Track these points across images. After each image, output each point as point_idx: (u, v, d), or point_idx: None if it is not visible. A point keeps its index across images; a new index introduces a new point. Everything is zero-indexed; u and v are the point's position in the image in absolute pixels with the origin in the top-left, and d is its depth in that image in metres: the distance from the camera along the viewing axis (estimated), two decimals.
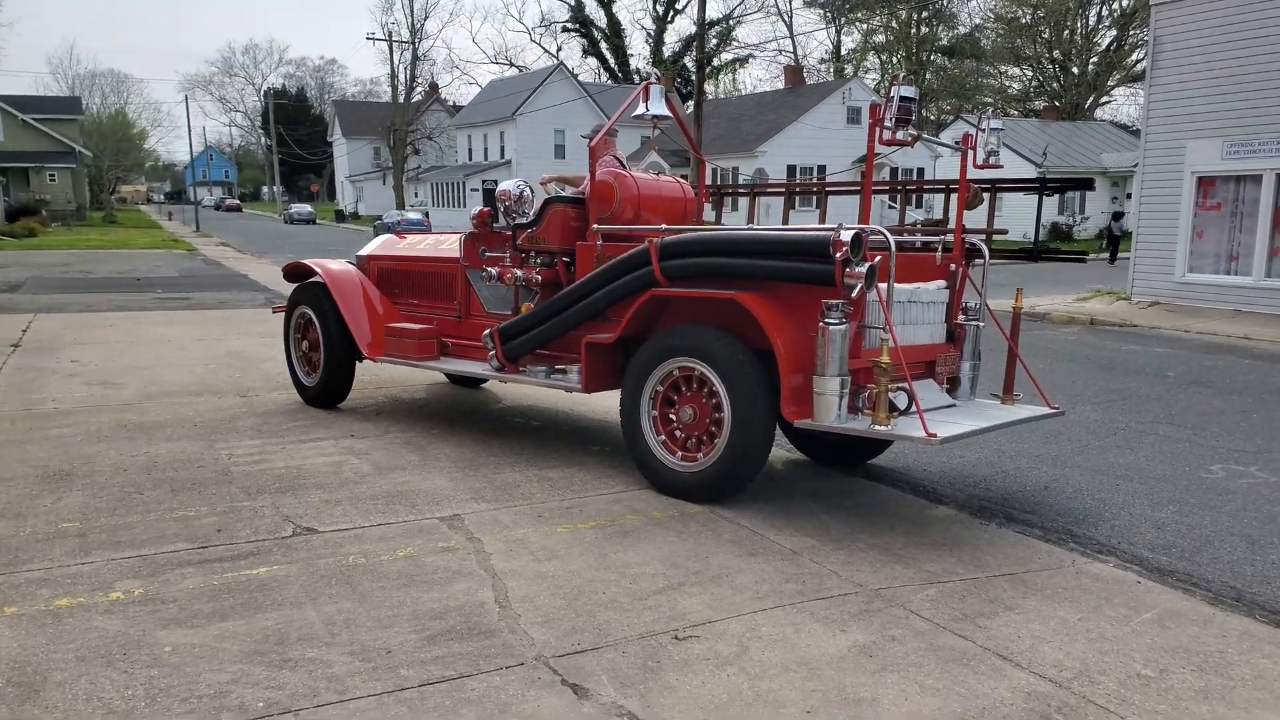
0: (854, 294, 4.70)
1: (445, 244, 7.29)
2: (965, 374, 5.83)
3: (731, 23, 48.94)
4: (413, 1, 73.64)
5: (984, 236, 5.86)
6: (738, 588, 4.11)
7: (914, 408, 4.61)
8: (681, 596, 4.00)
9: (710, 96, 54.37)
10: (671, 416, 5.35)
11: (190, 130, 59.19)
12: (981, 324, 5.75)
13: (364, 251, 7.95)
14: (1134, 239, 16.50)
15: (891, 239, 4.83)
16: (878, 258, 4.83)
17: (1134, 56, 52.71)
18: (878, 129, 4.83)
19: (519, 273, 6.31)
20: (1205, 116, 15.14)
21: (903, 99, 4.78)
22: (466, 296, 7.00)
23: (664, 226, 5.53)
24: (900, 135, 4.90)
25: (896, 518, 5.20)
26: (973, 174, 5.75)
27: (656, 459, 5.39)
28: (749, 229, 5.27)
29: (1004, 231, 5.66)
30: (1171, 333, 13.06)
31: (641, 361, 5.41)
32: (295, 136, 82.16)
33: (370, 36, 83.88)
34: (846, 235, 4.67)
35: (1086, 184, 5.45)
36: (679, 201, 6.55)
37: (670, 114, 6.43)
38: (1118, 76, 55.22)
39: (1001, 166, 5.52)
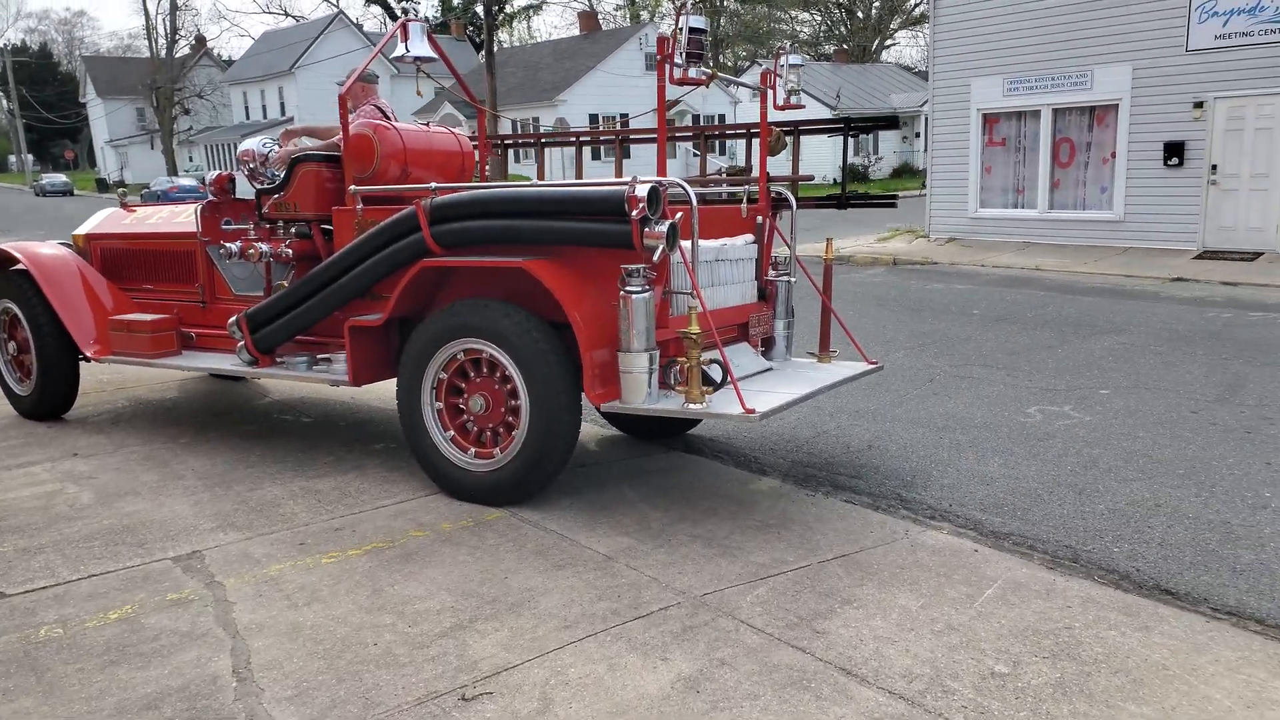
0: (655, 256, 4.08)
1: (181, 216, 6.15)
2: (780, 333, 5.39)
3: None
4: None
5: (790, 184, 5.39)
6: (542, 615, 3.45)
7: (729, 380, 4.06)
8: (473, 637, 3.30)
9: (505, 45, 52.62)
10: (461, 407, 4.59)
11: None
12: (793, 279, 5.29)
13: (81, 230, 6.65)
14: (928, 177, 16.91)
15: (692, 192, 4.22)
16: (679, 214, 4.22)
17: (912, 1, 55.04)
18: (667, 66, 4.19)
19: (264, 247, 5.31)
20: (987, 54, 15.56)
21: (693, 31, 4.15)
22: (210, 278, 5.92)
23: (434, 185, 4.70)
24: (693, 73, 4.28)
25: (720, 497, 4.68)
26: (774, 116, 5.26)
27: (445, 459, 4.63)
28: (534, 185, 4.53)
29: (810, 178, 5.20)
30: (970, 268, 13.40)
31: (419, 345, 4.60)
32: (41, 98, 73.28)
33: None
34: (642, 190, 4.03)
35: (892, 122, 5.05)
36: (455, 155, 5.72)
37: (435, 54, 5.56)
38: (899, 20, 57.60)
39: (804, 107, 5.03)
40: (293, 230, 5.41)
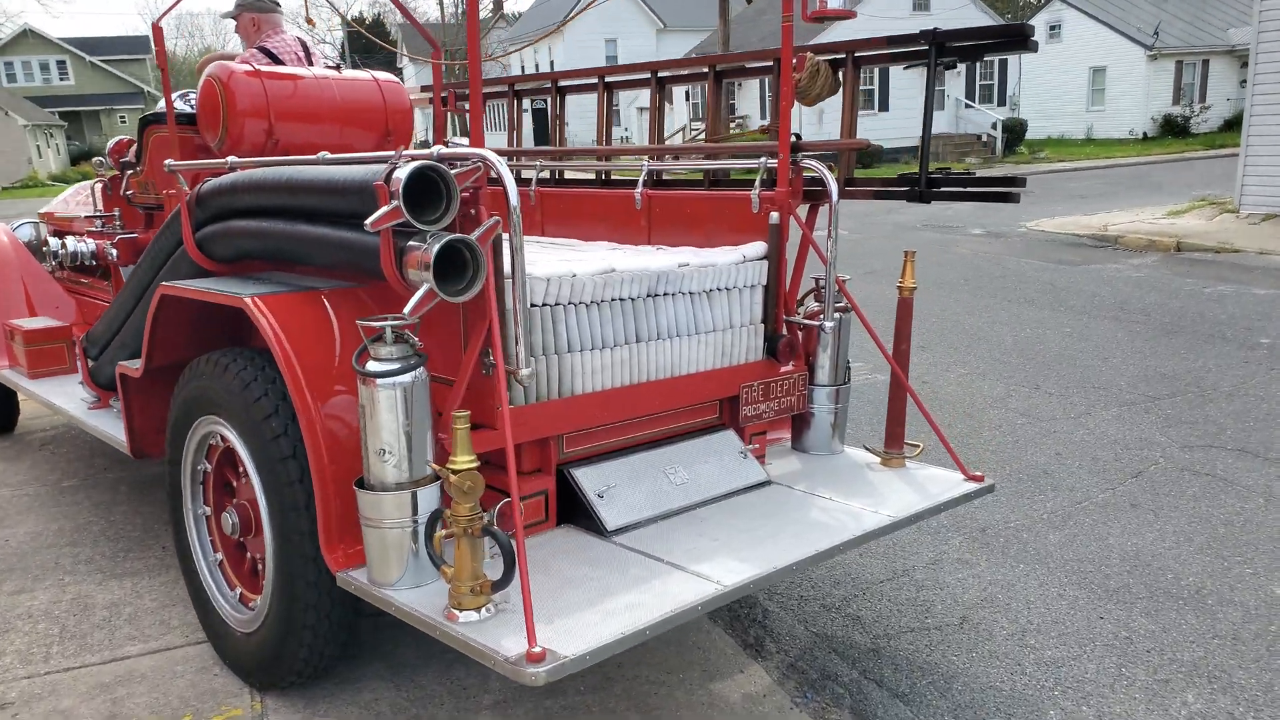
0: (409, 307, 2.11)
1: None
2: (823, 408, 3.20)
3: None
4: None
5: (838, 156, 3.14)
6: None
7: (517, 574, 2.00)
8: None
9: None
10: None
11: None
12: (827, 322, 3.06)
13: (48, 207, 5.62)
14: (1245, 129, 12.81)
15: (507, 175, 2.16)
16: (492, 218, 2.21)
17: None
18: None
19: (81, 245, 3.90)
20: None
21: None
22: (117, 275, 4.62)
23: (228, 160, 2.99)
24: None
25: (647, 712, 2.66)
26: (810, 36, 3.01)
27: (205, 594, 2.96)
28: (298, 162, 2.67)
29: (865, 144, 2.90)
30: None
31: (174, 416, 2.95)
32: (371, 65, 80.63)
33: None
34: (404, 172, 2.08)
35: (1015, 39, 2.58)
36: (373, 113, 3.95)
37: None
38: None
39: (853, 15, 2.76)
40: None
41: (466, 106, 4.60)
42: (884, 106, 26.68)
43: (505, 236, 2.21)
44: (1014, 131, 27.57)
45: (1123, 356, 6.15)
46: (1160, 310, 7.51)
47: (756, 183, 3.06)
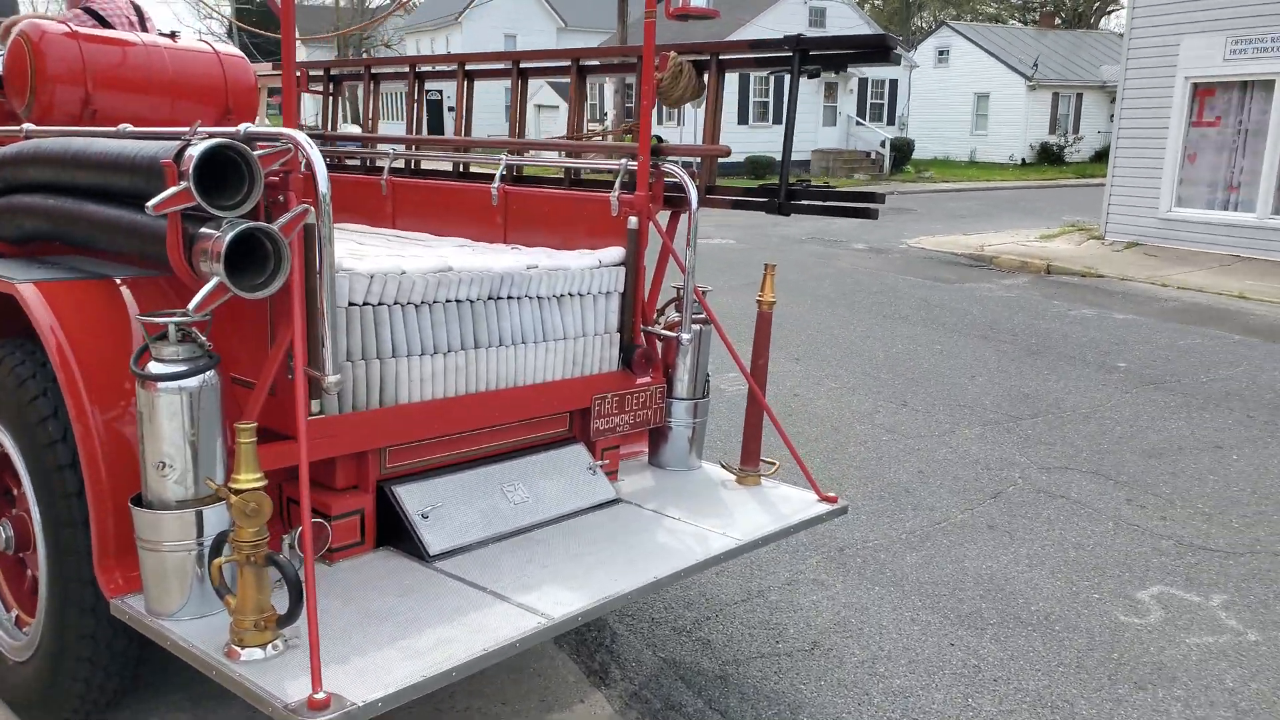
0: (196, 303, 1.86)
1: None
2: (680, 422, 3.07)
3: None
4: None
5: (701, 162, 3.01)
6: None
7: (304, 607, 1.78)
8: None
9: None
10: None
11: None
12: (684, 334, 2.91)
13: None
14: (1111, 162, 13.44)
15: (318, 161, 1.94)
16: (302, 207, 1.98)
17: None
18: None
19: None
20: (1206, 4, 11.95)
21: None
22: None
23: (24, 127, 2.66)
24: None
25: None
26: (674, 34, 2.89)
27: None
28: (92, 134, 2.39)
29: (726, 151, 2.77)
30: (1144, 287, 10.13)
31: None
32: (262, 45, 77.36)
33: None
34: (196, 151, 1.82)
35: (876, 50, 2.49)
36: (209, 89, 3.63)
37: None
38: None
39: (717, 15, 2.63)
40: None
41: (321, 89, 4.31)
42: (778, 119, 27.05)
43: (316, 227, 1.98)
44: (902, 151, 28.33)
45: (989, 375, 6.26)
46: (1027, 331, 7.71)
47: (616, 185, 2.90)
